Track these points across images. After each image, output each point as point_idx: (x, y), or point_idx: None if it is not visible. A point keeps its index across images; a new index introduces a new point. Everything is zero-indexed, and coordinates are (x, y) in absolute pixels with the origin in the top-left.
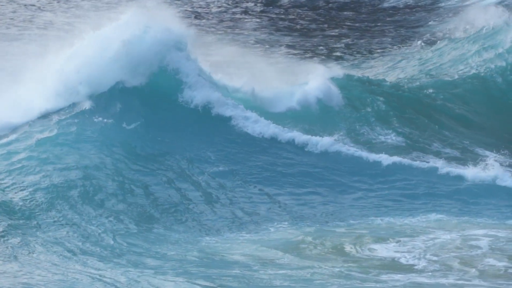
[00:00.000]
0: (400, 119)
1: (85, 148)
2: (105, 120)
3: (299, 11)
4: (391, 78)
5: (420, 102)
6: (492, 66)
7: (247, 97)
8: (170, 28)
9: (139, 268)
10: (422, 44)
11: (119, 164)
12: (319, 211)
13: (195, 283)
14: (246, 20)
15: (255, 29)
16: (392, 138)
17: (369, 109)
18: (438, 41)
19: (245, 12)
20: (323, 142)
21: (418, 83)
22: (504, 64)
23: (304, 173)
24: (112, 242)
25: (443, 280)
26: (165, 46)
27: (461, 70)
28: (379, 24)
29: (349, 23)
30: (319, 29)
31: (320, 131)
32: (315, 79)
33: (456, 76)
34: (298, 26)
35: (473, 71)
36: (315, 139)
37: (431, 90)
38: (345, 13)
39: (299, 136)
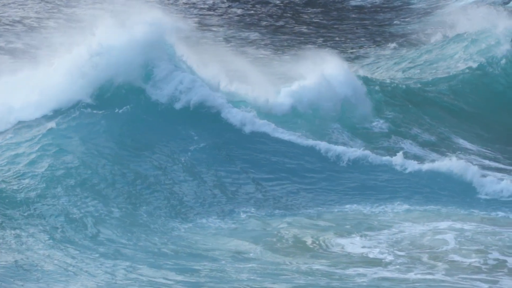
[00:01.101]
0: (384, 111)
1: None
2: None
3: (265, 8)
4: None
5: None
6: (475, 64)
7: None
8: (152, 29)
9: (112, 259)
10: (396, 45)
11: (107, 153)
12: (287, 201)
13: (165, 278)
14: (213, 16)
15: (222, 25)
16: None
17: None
18: (417, 43)
19: (212, 8)
20: (294, 136)
21: (400, 79)
22: (486, 60)
23: (274, 164)
24: (89, 230)
25: (410, 275)
26: (152, 51)
27: (444, 69)
28: (347, 22)
29: (317, 20)
30: (288, 26)
31: (295, 125)
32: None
33: (441, 73)
34: (265, 23)
35: (456, 68)
36: (286, 133)
37: (418, 85)
38: (313, 9)
39: (272, 128)
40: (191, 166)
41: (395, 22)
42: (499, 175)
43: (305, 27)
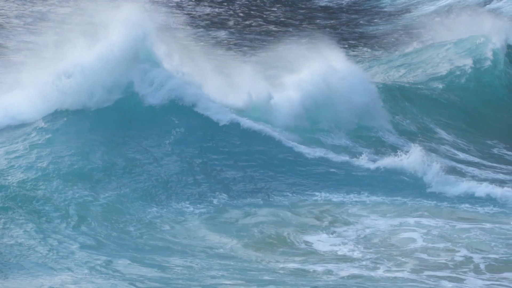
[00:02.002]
0: None
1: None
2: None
3: (232, 7)
4: None
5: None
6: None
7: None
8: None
9: (89, 250)
10: (367, 47)
11: (91, 145)
12: (260, 190)
13: (139, 274)
14: (178, 15)
15: (189, 24)
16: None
17: None
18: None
19: (179, 6)
20: (267, 130)
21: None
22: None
23: (249, 155)
24: (71, 218)
25: (377, 272)
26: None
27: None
28: (316, 22)
29: (283, 19)
30: (255, 25)
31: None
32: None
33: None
34: (231, 23)
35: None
36: (258, 127)
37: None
38: (280, 8)
39: (248, 124)
40: (170, 156)
41: (363, 23)
42: (469, 168)
43: (273, 26)
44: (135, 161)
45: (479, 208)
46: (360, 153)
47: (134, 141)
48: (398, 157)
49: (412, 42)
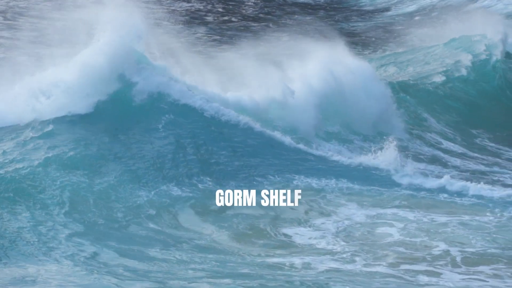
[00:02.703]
0: None
1: None
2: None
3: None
4: None
5: None
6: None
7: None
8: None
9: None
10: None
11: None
12: (241, 176)
13: (124, 266)
14: (159, 10)
15: (169, 20)
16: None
17: None
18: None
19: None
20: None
21: None
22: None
23: (231, 143)
24: (65, 204)
25: (355, 266)
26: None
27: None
28: (295, 18)
29: (262, 15)
30: (234, 21)
31: None
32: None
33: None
34: (210, 18)
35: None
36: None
37: None
38: (257, 3)
39: (230, 112)
40: (158, 144)
41: (342, 21)
42: (452, 159)
43: (252, 22)
44: (126, 151)
45: (456, 199)
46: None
47: (126, 133)
48: (373, 154)
49: (393, 40)
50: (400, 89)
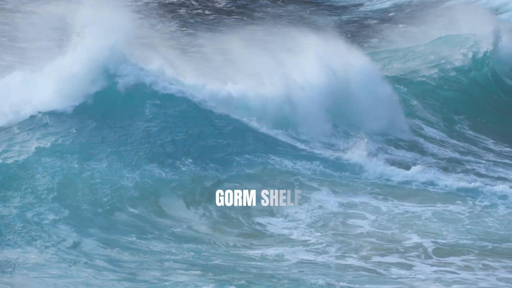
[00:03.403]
0: None
1: None
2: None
3: None
4: None
5: None
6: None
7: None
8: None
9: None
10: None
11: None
12: (220, 160)
13: (93, 255)
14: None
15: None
16: None
17: None
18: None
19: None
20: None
21: None
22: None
23: (211, 129)
24: (54, 190)
25: (329, 259)
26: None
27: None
28: (269, 9)
29: (233, 8)
30: (206, 14)
31: None
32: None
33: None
34: (183, 11)
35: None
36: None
37: None
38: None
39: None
40: (144, 130)
41: (314, 14)
42: (430, 146)
43: (225, 15)
44: (115, 138)
45: (429, 189)
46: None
47: (115, 122)
48: (344, 151)
49: (373, 36)
50: (394, 81)
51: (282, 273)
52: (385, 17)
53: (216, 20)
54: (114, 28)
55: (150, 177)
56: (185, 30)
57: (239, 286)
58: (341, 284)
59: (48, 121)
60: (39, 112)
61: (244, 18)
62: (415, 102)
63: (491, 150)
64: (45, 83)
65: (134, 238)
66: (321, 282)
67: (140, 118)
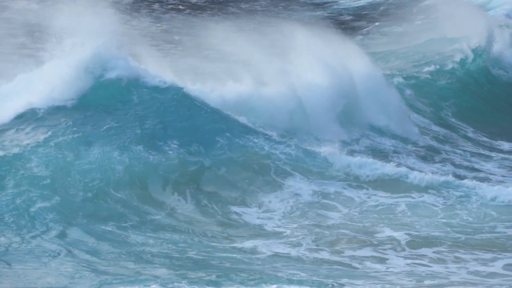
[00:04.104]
0: None
1: None
2: None
3: None
4: None
5: None
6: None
7: None
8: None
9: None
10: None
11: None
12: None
13: (76, 246)
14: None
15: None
16: None
17: None
18: None
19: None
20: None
21: None
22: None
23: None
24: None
25: (303, 252)
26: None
27: None
28: (242, 5)
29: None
30: (181, 8)
31: None
32: None
33: None
34: (156, 6)
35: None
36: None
37: None
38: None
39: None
40: (133, 116)
41: (288, 10)
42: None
43: (199, 10)
44: (104, 125)
45: (404, 179)
46: None
47: (110, 113)
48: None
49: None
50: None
51: (255, 268)
52: (362, 14)
53: (192, 15)
54: (99, 27)
55: (137, 160)
56: (160, 26)
57: (210, 283)
58: (315, 278)
59: (42, 114)
60: (32, 106)
61: (219, 13)
62: (408, 91)
63: (469, 139)
64: (39, 81)
65: (115, 228)
66: (295, 277)
67: (129, 106)
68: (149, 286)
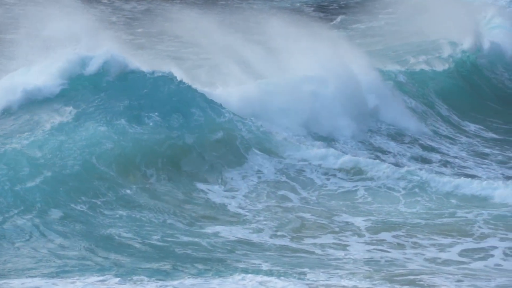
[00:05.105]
0: None
1: None
2: None
3: None
4: None
5: None
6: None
7: None
8: None
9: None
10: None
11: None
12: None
13: (51, 227)
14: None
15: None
16: None
17: None
18: None
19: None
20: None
21: None
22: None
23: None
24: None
25: (265, 238)
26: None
27: None
28: None
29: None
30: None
31: None
32: None
33: None
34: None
35: None
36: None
37: None
38: None
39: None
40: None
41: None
42: None
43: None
44: (93, 104)
45: (366, 164)
46: None
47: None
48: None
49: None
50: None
51: (217, 257)
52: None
53: (154, 6)
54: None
55: (122, 134)
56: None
57: (163, 274)
58: (277, 268)
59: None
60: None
61: (177, 2)
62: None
63: (443, 118)
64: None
65: (87, 207)
66: (258, 267)
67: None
68: (104, 275)
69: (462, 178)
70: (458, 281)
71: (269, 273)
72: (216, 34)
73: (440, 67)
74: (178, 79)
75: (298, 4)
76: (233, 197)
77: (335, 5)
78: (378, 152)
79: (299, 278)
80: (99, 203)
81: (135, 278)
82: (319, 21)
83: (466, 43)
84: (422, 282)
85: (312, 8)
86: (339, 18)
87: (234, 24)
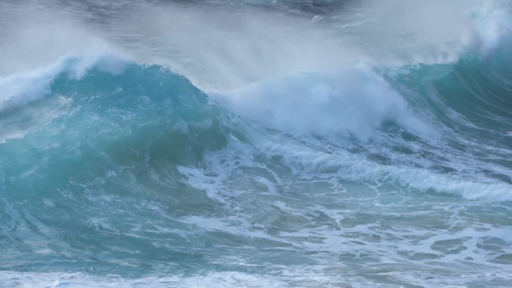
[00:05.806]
0: None
1: None
2: None
3: None
4: None
5: None
6: None
7: None
8: None
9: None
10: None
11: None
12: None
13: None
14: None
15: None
16: None
17: None
18: None
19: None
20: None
21: None
22: None
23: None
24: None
25: (244, 231)
26: None
27: None
28: None
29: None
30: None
31: None
32: None
33: None
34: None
35: None
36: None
37: None
38: None
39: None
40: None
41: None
42: None
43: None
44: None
45: (344, 158)
46: None
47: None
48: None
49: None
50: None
51: (195, 251)
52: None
53: (130, 5)
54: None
55: (116, 120)
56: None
57: (137, 271)
58: (255, 264)
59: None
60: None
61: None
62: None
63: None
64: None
65: (72, 194)
66: (235, 262)
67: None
68: (75, 272)
69: (437, 176)
70: (428, 277)
71: (245, 269)
72: (194, 31)
73: (432, 61)
74: (165, 68)
75: (274, 1)
76: (212, 182)
77: (309, 2)
78: (361, 143)
79: (275, 274)
80: (86, 189)
81: (109, 275)
82: (299, 19)
83: (460, 38)
84: (394, 279)
85: (287, 6)
86: (316, 17)
87: (212, 21)
